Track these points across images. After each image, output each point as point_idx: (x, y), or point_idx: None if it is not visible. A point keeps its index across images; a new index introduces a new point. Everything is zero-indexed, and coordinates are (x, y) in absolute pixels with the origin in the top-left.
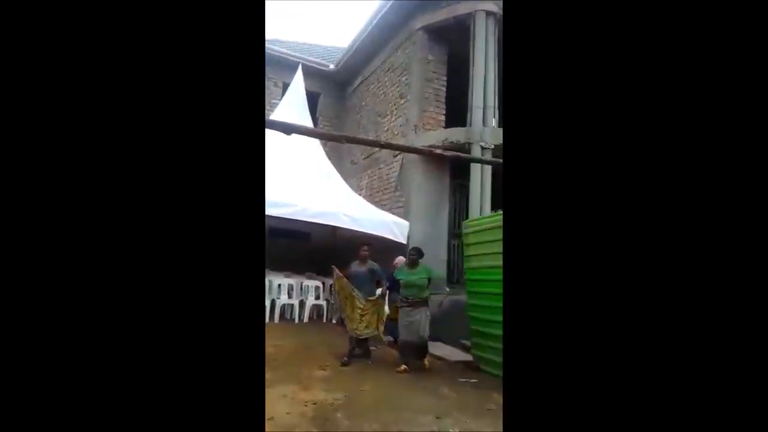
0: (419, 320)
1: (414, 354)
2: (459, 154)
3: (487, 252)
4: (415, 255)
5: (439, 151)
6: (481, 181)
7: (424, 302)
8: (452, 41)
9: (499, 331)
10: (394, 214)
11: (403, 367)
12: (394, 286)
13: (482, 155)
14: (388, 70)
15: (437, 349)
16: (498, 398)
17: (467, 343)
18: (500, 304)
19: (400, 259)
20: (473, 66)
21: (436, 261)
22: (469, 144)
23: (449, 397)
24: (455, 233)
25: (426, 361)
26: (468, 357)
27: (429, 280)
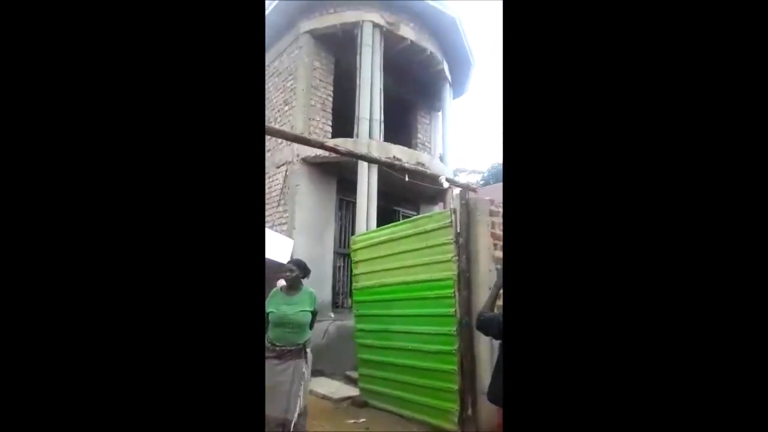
0: (288, 384)
1: None
2: (353, 151)
3: (377, 269)
4: (296, 272)
5: (331, 146)
6: (367, 196)
7: (300, 352)
8: (339, 50)
9: (389, 358)
10: (276, 231)
11: None
12: None
13: (369, 168)
14: (273, 74)
15: (321, 385)
16: None
17: (354, 375)
18: (390, 327)
19: (280, 283)
20: (360, 77)
21: (322, 282)
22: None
23: None
24: (341, 253)
25: None
26: (355, 391)
27: (313, 314)
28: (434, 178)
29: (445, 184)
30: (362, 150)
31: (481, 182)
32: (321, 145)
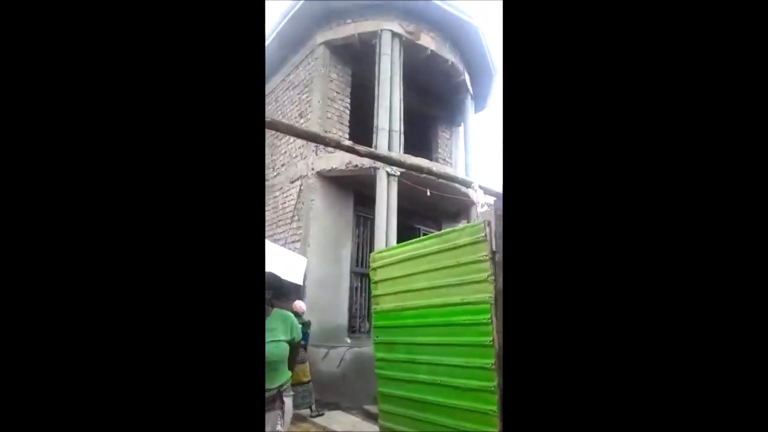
0: None
1: None
2: (373, 151)
3: (399, 290)
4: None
5: (349, 145)
6: (386, 212)
7: (273, 401)
8: (356, 61)
9: (415, 393)
10: (289, 248)
11: None
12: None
13: (388, 182)
14: (288, 88)
15: (335, 422)
16: None
17: (373, 409)
18: (415, 357)
19: (300, 305)
20: (378, 86)
21: (338, 304)
22: (375, 169)
23: None
24: (359, 273)
25: None
26: (375, 428)
27: (292, 344)
28: (457, 193)
29: (478, 191)
30: (381, 163)
31: None
32: (337, 144)
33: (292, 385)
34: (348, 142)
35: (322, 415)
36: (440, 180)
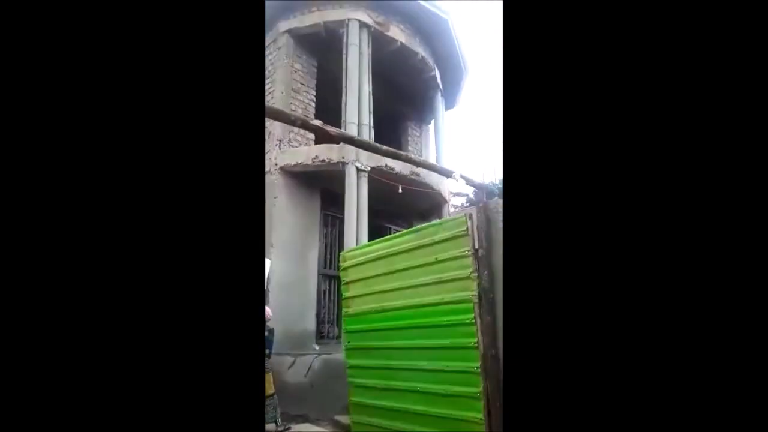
0: None
1: None
2: (345, 134)
3: (373, 291)
4: None
5: (317, 125)
6: (357, 210)
7: None
8: (322, 52)
9: (392, 402)
10: None
11: None
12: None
13: (358, 178)
14: None
15: None
16: None
17: (344, 419)
18: (391, 363)
19: (268, 311)
20: (346, 78)
21: (305, 309)
22: (343, 164)
23: None
24: (328, 275)
25: None
26: None
27: None
28: (429, 189)
29: (460, 181)
30: (350, 158)
31: (467, 204)
32: (304, 123)
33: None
34: (317, 122)
35: (289, 429)
36: (412, 176)
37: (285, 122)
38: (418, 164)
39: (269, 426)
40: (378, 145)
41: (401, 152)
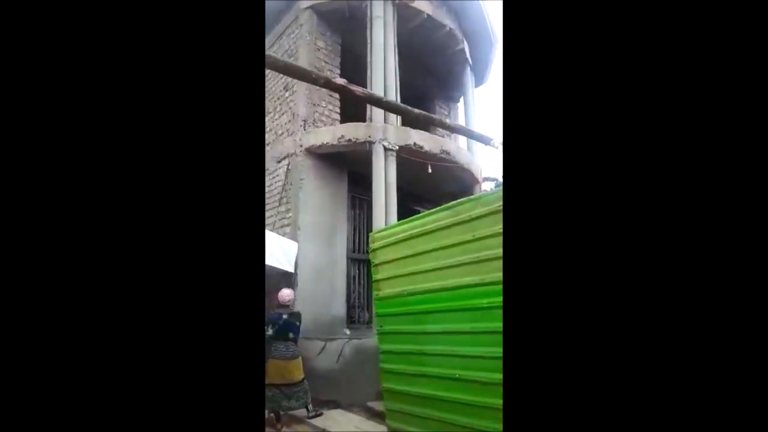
0: None
1: None
2: (373, 94)
3: (405, 272)
4: None
5: (341, 83)
6: (385, 191)
7: None
8: (346, 29)
9: (427, 390)
10: (278, 234)
11: None
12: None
13: (386, 157)
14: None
15: (335, 422)
16: None
17: (377, 406)
18: (425, 348)
19: (286, 293)
20: (371, 52)
21: (333, 293)
22: (370, 143)
23: None
24: (357, 259)
25: None
26: (380, 428)
27: None
28: (460, 169)
29: (499, 148)
30: (377, 136)
31: (496, 189)
32: (327, 82)
33: (285, 385)
34: (341, 80)
35: (321, 415)
36: (442, 154)
37: (308, 81)
38: (452, 129)
39: (301, 412)
40: (408, 107)
41: (434, 115)
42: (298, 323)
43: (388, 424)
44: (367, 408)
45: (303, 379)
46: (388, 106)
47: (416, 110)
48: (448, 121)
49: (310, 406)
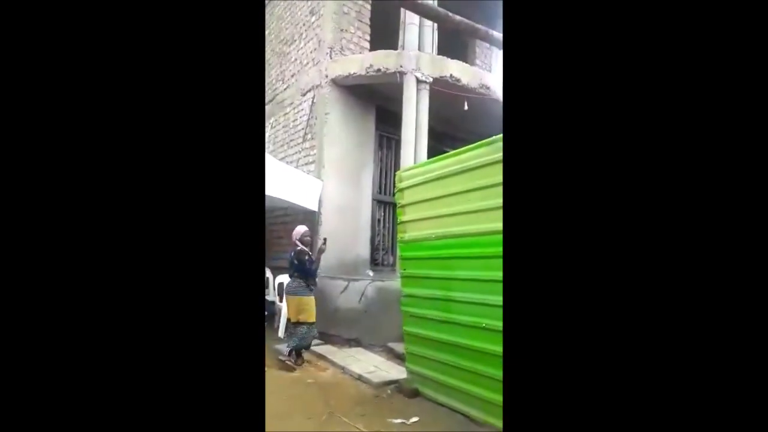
0: None
1: None
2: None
3: (433, 215)
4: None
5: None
6: (416, 129)
7: None
8: None
9: (450, 336)
10: (302, 171)
11: None
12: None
13: (418, 91)
14: None
15: (356, 361)
16: None
17: (398, 347)
18: (452, 294)
19: (296, 231)
20: None
21: (357, 234)
22: (401, 73)
23: None
24: (383, 201)
25: None
26: (400, 370)
27: None
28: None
29: None
30: (409, 66)
31: None
32: None
33: (293, 323)
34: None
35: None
36: (481, 89)
37: None
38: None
39: (328, 348)
40: (448, 12)
41: (479, 27)
42: (296, 261)
43: (407, 367)
44: (389, 349)
45: (312, 323)
46: (423, 10)
47: (458, 17)
48: (494, 35)
49: (293, 353)
